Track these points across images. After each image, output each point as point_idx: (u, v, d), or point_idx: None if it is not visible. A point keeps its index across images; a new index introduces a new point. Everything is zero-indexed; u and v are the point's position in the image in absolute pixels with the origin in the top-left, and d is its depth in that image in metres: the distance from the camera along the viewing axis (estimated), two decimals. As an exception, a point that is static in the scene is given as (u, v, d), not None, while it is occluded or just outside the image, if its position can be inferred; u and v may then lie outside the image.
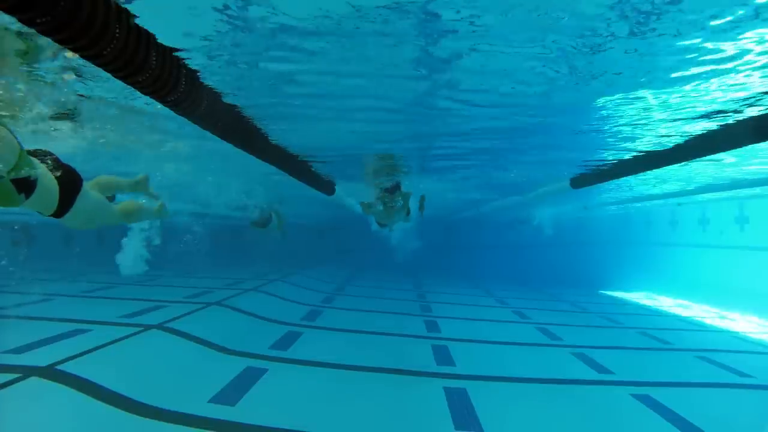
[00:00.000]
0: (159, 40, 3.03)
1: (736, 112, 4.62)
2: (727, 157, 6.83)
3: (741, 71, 3.62)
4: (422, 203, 9.11)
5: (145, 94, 3.17)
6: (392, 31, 3.03)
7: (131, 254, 12.44)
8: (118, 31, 2.45)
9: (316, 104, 4.90)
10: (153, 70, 2.88)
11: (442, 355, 7.18)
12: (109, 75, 2.81)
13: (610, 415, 5.25)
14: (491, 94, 4.31)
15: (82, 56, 2.52)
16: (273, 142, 6.19)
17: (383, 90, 4.41)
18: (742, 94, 4.16)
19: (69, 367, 5.18)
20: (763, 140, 5.17)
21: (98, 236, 19.63)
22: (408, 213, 9.01)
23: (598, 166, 7.92)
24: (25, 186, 2.97)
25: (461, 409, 5.11)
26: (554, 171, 8.71)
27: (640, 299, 15.66)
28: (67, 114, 5.29)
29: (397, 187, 8.82)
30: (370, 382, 5.93)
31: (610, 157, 7.18)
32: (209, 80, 3.87)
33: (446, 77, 3.94)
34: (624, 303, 14.84)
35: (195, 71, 3.68)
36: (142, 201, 5.01)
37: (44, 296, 9.88)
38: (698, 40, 3.06)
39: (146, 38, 2.79)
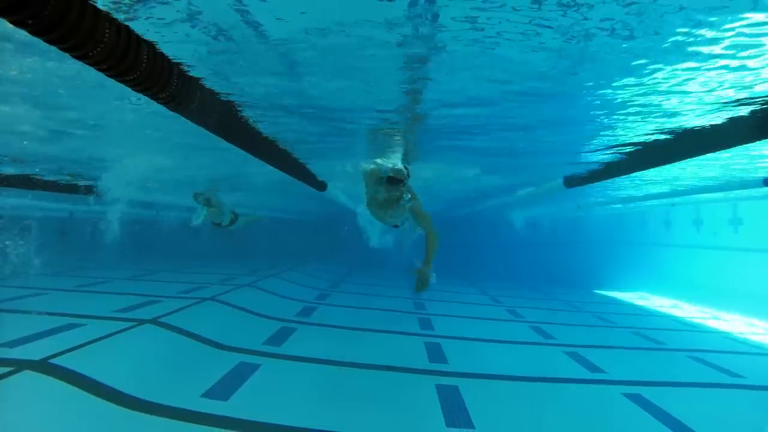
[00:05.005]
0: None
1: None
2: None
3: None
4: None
5: (137, 91, 3.18)
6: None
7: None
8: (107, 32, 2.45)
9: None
10: (143, 68, 2.88)
11: (435, 353, 7.21)
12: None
13: (601, 414, 5.29)
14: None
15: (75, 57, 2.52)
16: (264, 135, 6.13)
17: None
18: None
19: (62, 361, 5.18)
20: (760, 138, 5.17)
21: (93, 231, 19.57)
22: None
23: (591, 165, 7.93)
24: None
25: (453, 406, 5.13)
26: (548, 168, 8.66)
27: (633, 299, 15.73)
28: None
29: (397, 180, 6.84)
30: (362, 378, 5.95)
31: (605, 157, 7.18)
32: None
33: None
34: (617, 303, 14.91)
35: (190, 74, 3.68)
36: None
37: (38, 290, 9.85)
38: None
39: (135, 37, 2.80)
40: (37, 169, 9.34)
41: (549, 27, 2.85)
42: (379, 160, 7.40)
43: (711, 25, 2.86)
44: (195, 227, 11.95)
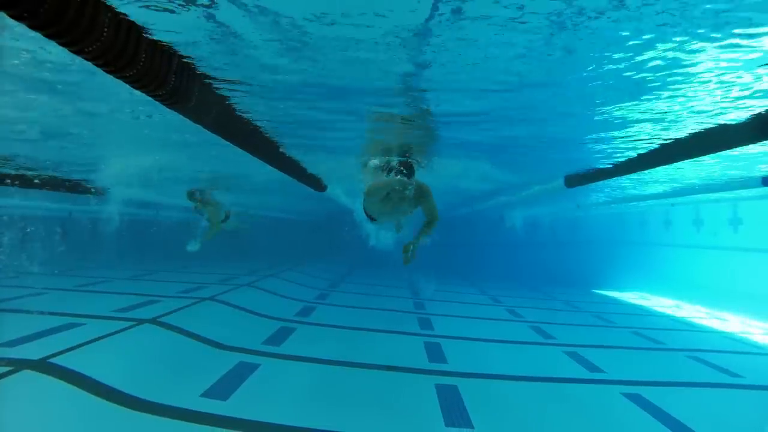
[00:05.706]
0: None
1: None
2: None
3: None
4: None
5: (135, 88, 3.16)
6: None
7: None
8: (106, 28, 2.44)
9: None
10: (142, 64, 2.86)
11: (435, 353, 7.20)
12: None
13: (600, 413, 5.28)
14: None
15: (72, 51, 2.51)
16: (265, 135, 6.10)
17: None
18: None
19: (61, 361, 5.19)
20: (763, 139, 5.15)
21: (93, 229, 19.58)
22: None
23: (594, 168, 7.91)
24: None
25: (452, 406, 5.13)
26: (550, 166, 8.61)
27: (633, 299, 15.73)
28: None
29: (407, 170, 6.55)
30: (362, 378, 5.95)
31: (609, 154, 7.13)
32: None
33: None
34: (617, 302, 14.91)
35: (187, 65, 3.66)
36: None
37: (38, 289, 9.85)
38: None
39: (136, 33, 2.78)
40: (36, 170, 9.34)
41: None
42: (378, 166, 7.35)
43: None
44: (193, 252, 11.88)
